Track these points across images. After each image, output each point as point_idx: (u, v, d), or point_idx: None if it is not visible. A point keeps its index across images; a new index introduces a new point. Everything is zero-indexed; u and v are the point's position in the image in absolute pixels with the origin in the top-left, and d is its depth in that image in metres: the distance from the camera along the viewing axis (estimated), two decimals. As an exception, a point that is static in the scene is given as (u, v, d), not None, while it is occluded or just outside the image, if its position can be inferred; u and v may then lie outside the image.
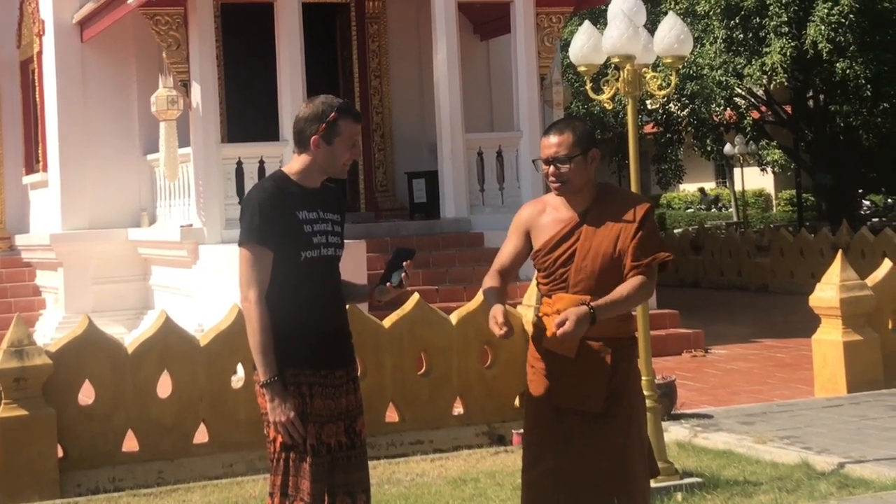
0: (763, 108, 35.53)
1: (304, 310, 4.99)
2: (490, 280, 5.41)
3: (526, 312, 10.42)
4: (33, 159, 19.91)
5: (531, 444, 5.36)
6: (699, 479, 8.11)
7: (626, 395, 5.29)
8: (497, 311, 5.12)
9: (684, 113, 35.01)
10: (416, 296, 10.38)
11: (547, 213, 5.41)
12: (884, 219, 40.57)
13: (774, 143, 38.36)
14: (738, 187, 46.71)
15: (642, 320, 8.37)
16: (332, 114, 5.02)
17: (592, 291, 5.20)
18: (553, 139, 5.32)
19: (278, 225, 4.95)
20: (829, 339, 11.51)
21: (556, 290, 5.31)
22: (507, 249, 5.46)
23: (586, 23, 9.22)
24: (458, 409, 10.39)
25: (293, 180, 5.07)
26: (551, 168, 5.31)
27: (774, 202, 52.96)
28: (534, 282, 10.50)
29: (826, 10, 28.12)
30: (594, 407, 5.21)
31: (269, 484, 5.03)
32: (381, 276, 5.21)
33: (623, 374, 5.28)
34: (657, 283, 5.39)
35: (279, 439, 4.94)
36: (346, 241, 5.29)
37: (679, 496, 7.78)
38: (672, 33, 8.86)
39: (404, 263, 5.17)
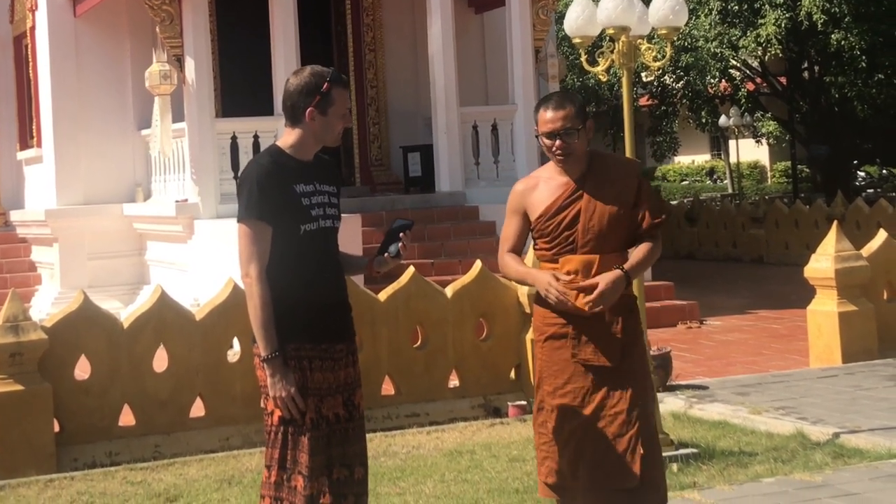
0: (758, 80, 35.50)
1: (305, 283, 4.98)
2: (510, 259, 5.55)
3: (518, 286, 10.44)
4: (27, 135, 19.88)
5: (554, 408, 5.43)
6: (694, 450, 8.13)
7: (637, 350, 5.49)
8: (549, 277, 5.32)
9: (679, 85, 35.00)
10: (411, 269, 10.38)
11: (540, 186, 5.54)
12: (878, 189, 40.57)
13: (769, 115, 38.36)
14: (732, 159, 46.72)
15: (638, 292, 8.36)
16: (325, 84, 5.01)
17: (599, 250, 5.37)
18: (557, 113, 5.41)
19: (277, 199, 4.94)
20: (824, 309, 11.53)
21: (562, 254, 5.43)
22: (511, 230, 5.60)
23: (581, -6, 9.19)
24: (454, 382, 10.41)
25: (288, 154, 5.06)
26: (557, 142, 5.40)
27: (769, 174, 52.97)
28: (529, 254, 10.53)
29: (821, -19, 28.08)
30: (610, 360, 5.37)
31: (265, 456, 5.04)
32: (380, 246, 5.22)
33: (632, 329, 5.45)
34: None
35: (278, 413, 4.95)
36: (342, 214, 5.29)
37: (674, 467, 7.79)
38: (667, 5, 8.84)
39: (402, 235, 5.18)
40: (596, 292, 5.23)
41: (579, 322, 5.37)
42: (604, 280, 5.25)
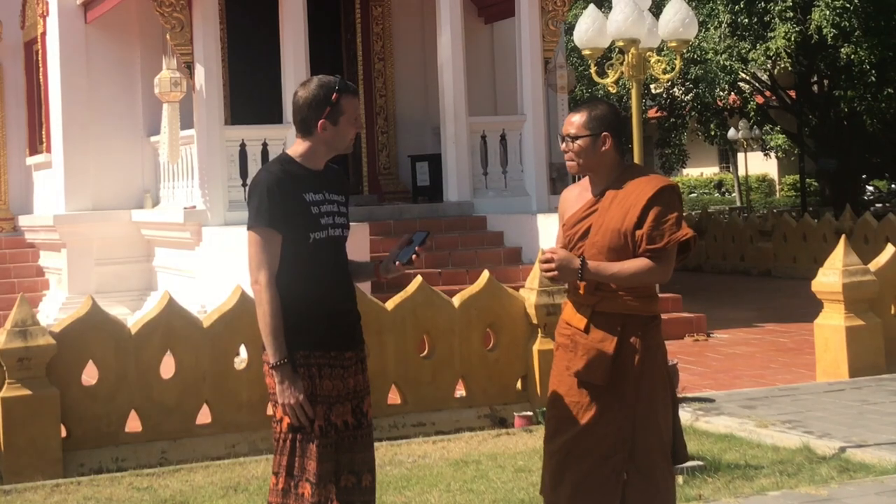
0: (767, 93, 35.49)
1: (314, 291, 5.00)
2: None
3: (528, 295, 10.45)
4: (37, 140, 19.93)
5: (551, 417, 5.39)
6: (700, 463, 8.11)
7: (636, 372, 5.27)
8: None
9: (688, 97, 34.99)
10: (418, 278, 10.39)
11: (576, 195, 5.51)
12: (887, 204, 40.52)
13: (778, 128, 38.35)
14: (741, 172, 46.69)
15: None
16: (334, 95, 5.03)
17: None
18: (572, 117, 5.43)
19: (286, 207, 4.96)
20: (832, 323, 11.52)
21: None
22: (559, 234, 5.57)
23: (591, 6, 9.23)
24: (460, 392, 10.41)
25: (298, 163, 5.08)
26: (563, 145, 5.43)
27: (778, 187, 52.97)
28: (536, 266, 10.54)
29: (831, -5, 28.08)
30: (597, 378, 5.24)
31: (273, 463, 5.05)
32: (398, 254, 5.23)
33: (631, 350, 5.28)
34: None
35: (286, 420, 4.97)
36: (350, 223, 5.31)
37: (680, 479, 7.78)
38: (677, 17, 8.86)
39: (418, 248, 5.21)
40: (552, 264, 5.16)
41: (579, 335, 5.30)
42: (560, 253, 5.17)
